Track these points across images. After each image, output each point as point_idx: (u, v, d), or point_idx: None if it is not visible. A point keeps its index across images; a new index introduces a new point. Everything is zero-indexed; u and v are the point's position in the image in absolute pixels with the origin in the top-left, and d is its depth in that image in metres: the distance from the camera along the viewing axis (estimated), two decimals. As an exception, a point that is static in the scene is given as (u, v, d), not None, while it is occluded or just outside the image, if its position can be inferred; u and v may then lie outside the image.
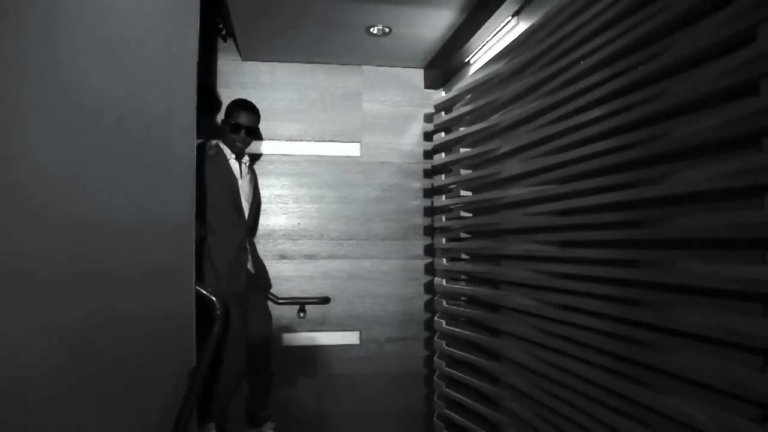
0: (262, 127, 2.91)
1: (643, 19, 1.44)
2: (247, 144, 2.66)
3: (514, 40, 2.25)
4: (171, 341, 1.32)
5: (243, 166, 2.69)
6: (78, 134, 0.77)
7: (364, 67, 3.30)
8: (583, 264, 1.77)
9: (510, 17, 2.34)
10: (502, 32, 2.44)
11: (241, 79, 3.16)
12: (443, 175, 3.10)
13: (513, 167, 2.25)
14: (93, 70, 0.82)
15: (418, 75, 3.36)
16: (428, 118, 3.34)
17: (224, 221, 2.52)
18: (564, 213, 1.90)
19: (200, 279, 2.46)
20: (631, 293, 1.51)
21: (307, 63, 3.23)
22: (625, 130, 1.53)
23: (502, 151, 2.34)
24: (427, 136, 3.34)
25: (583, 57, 1.74)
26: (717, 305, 1.22)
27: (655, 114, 1.40)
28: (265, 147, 3.17)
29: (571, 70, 1.81)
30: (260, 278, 2.74)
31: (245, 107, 2.66)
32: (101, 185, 0.88)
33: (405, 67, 3.33)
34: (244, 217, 2.61)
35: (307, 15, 2.57)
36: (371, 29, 2.74)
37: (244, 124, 2.59)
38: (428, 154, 3.33)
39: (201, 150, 2.50)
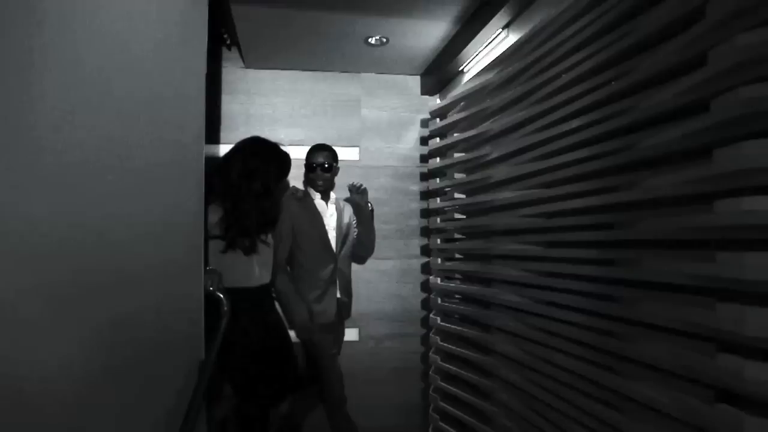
0: (265, 132, 3.03)
1: (615, 39, 1.57)
2: (326, 180, 2.79)
3: (504, 51, 2.38)
4: (181, 335, 1.38)
5: (329, 204, 2.84)
6: (91, 137, 0.81)
7: (362, 74, 3.43)
8: (567, 263, 1.90)
9: (500, 29, 2.46)
10: (494, 44, 2.57)
11: (244, 86, 3.29)
12: (438, 179, 3.22)
13: (503, 172, 2.38)
14: (106, 77, 0.86)
15: (414, 82, 3.48)
16: (424, 123, 3.45)
17: (314, 256, 2.71)
18: (549, 215, 2.03)
19: (286, 312, 2.62)
20: (608, 290, 1.64)
21: (308, 71, 3.36)
22: (600, 140, 1.67)
23: (492, 156, 2.47)
24: (424, 140, 3.45)
25: (565, 71, 1.87)
26: (676, 299, 1.35)
27: (626, 126, 1.53)
28: (268, 151, 3.29)
29: (554, 82, 1.94)
30: (343, 308, 2.85)
31: (317, 147, 2.84)
32: (115, 187, 0.90)
33: (402, 74, 3.46)
34: (332, 250, 2.77)
35: (309, 27, 2.71)
36: (369, 40, 2.87)
37: (317, 162, 2.77)
38: (425, 158, 3.44)
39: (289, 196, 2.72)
